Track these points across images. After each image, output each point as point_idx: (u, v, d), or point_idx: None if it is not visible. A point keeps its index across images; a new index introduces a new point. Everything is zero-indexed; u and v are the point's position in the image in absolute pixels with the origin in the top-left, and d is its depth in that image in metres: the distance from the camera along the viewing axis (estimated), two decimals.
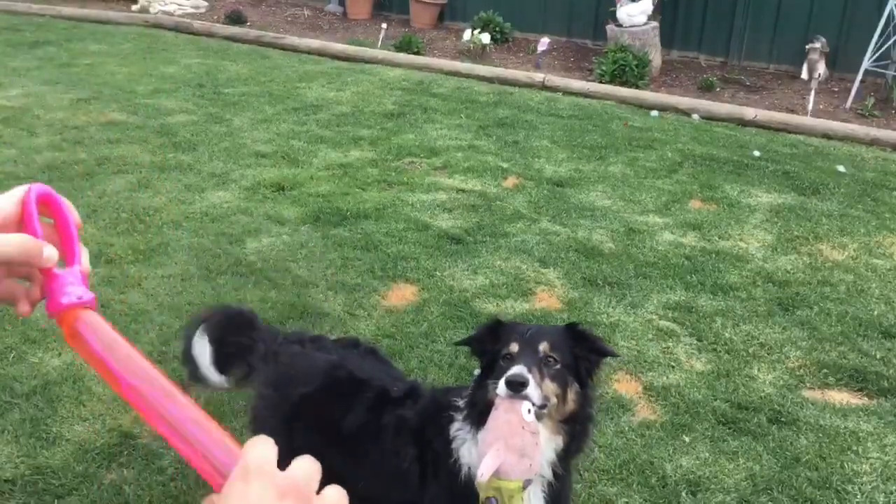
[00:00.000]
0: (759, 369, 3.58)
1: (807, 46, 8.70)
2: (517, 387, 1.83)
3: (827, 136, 7.09)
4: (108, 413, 3.05)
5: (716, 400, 3.33)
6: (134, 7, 10.97)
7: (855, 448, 3.10)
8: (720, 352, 3.70)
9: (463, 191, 5.41)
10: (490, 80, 8.42)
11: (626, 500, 2.78)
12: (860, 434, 3.18)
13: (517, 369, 1.85)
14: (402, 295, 4.02)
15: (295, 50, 9.35)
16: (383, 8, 11.41)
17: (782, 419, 3.24)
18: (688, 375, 3.50)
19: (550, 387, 1.91)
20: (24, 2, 10.78)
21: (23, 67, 7.81)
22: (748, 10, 9.16)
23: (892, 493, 2.88)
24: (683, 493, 2.82)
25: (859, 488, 2.89)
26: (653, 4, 8.81)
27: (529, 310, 3.95)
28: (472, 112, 7.24)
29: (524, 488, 1.85)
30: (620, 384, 3.41)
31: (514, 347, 1.94)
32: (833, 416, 3.28)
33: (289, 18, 11.20)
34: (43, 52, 8.41)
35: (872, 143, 6.96)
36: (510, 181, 5.64)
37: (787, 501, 2.81)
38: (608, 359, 2.21)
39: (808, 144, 6.87)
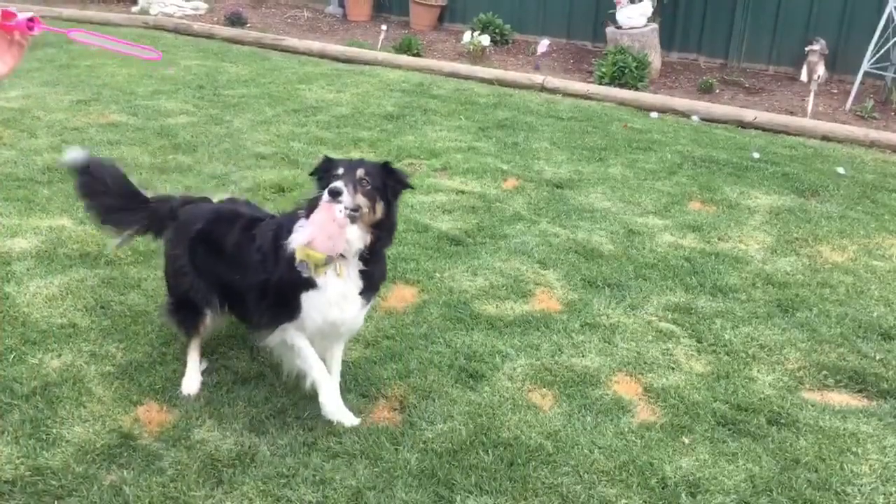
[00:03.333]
0: (758, 371, 3.59)
1: (806, 48, 8.71)
2: (334, 194, 2.71)
3: (826, 137, 7.10)
4: (108, 414, 3.05)
5: (715, 401, 3.33)
6: (134, 9, 10.99)
7: (854, 450, 3.10)
8: (720, 353, 3.71)
9: (463, 192, 5.41)
10: (490, 81, 8.43)
11: (625, 501, 2.78)
12: (860, 436, 3.18)
13: (336, 183, 2.73)
14: (402, 296, 4.02)
15: (295, 51, 9.36)
16: (383, 9, 11.42)
17: (782, 421, 3.24)
18: (687, 377, 3.50)
19: (361, 199, 2.78)
20: (23, 4, 10.78)
21: (22, 69, 7.76)
22: (748, 12, 9.17)
23: (891, 494, 2.88)
24: (683, 495, 2.82)
25: (859, 490, 2.89)
26: (652, 6, 8.82)
27: (529, 311, 3.95)
28: (472, 114, 7.24)
29: (327, 263, 2.78)
30: (620, 385, 3.41)
31: (339, 171, 2.81)
32: (833, 418, 3.28)
33: (288, 20, 11.21)
34: (43, 54, 8.41)
35: (872, 144, 6.97)
36: (510, 183, 5.65)
37: (787, 503, 2.81)
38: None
39: (807, 146, 6.88)
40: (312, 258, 2.74)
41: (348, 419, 3.05)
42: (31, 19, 2.25)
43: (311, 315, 2.92)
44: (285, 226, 2.94)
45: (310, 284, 2.86)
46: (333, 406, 3.04)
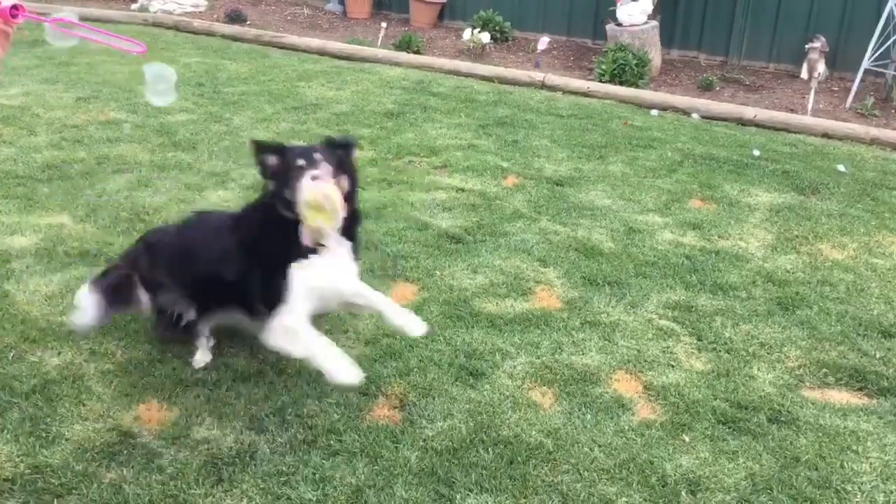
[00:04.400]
0: (758, 369, 3.58)
1: (806, 46, 8.70)
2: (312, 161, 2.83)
3: (827, 135, 7.09)
4: (108, 412, 3.05)
5: (715, 399, 3.33)
6: (133, 6, 10.97)
7: (855, 448, 3.10)
8: (720, 351, 3.70)
9: (462, 190, 5.40)
10: (490, 79, 8.42)
11: (626, 499, 2.78)
12: (860, 434, 3.18)
13: (302, 160, 2.84)
14: (402, 294, 4.02)
15: (294, 49, 9.34)
16: (383, 7, 11.41)
17: (782, 419, 3.24)
18: (688, 375, 3.50)
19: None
20: (26, 1, 10.76)
21: (22, 66, 7.80)
22: (748, 10, 9.16)
23: (891, 492, 2.88)
24: (683, 493, 2.82)
25: (859, 488, 2.89)
26: (652, 4, 8.80)
27: (529, 309, 3.95)
28: (472, 111, 7.23)
29: (332, 221, 2.84)
30: (620, 384, 3.41)
31: (300, 161, 2.86)
32: (833, 416, 3.28)
33: (288, 17, 11.19)
34: (42, 51, 8.39)
35: (872, 142, 6.97)
36: (510, 180, 5.64)
37: (787, 501, 2.81)
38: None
39: (807, 144, 6.88)
40: (322, 214, 2.79)
41: (354, 374, 2.92)
42: (14, 7, 2.23)
43: (308, 285, 2.95)
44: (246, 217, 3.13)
45: (297, 256, 2.94)
46: (342, 375, 2.91)
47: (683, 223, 5.07)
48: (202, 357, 3.36)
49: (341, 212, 2.85)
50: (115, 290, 3.30)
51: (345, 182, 2.93)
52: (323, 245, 2.94)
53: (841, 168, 6.23)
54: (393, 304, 3.16)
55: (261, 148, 2.97)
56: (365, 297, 3.17)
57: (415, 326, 3.10)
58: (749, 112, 7.49)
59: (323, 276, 2.98)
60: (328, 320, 3.73)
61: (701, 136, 6.86)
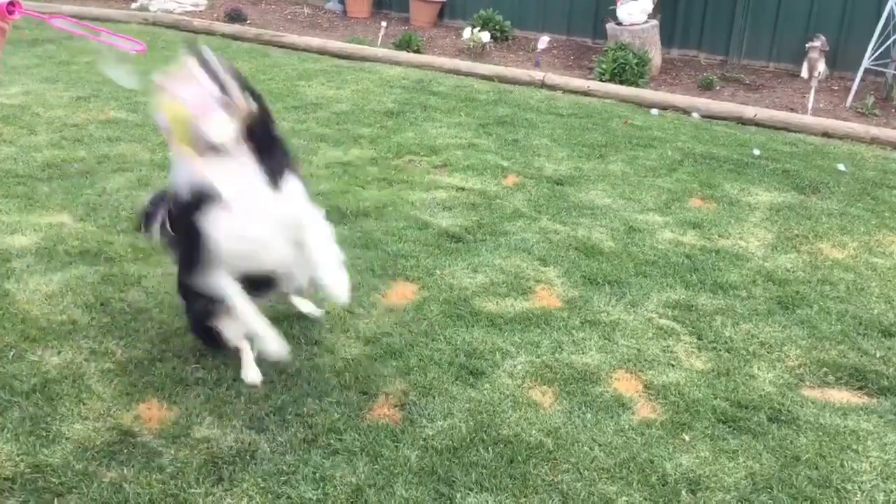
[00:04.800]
0: (759, 368, 3.59)
1: (807, 45, 8.70)
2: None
3: (827, 134, 7.09)
4: (108, 411, 3.05)
5: (716, 398, 3.33)
6: (133, 5, 10.97)
7: (855, 447, 3.10)
8: (720, 350, 3.70)
9: (463, 189, 5.40)
10: (490, 78, 8.41)
11: (626, 498, 2.78)
12: (860, 433, 3.18)
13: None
14: (402, 293, 4.02)
15: (294, 48, 9.34)
16: (383, 6, 11.40)
17: (782, 418, 3.24)
18: (688, 374, 3.50)
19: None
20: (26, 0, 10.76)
21: (22, 65, 7.79)
22: (748, 9, 9.15)
23: (892, 491, 2.88)
24: (683, 492, 2.82)
25: (859, 487, 2.89)
26: (653, 3, 8.80)
27: (529, 308, 3.95)
28: (472, 110, 7.23)
29: (192, 128, 2.55)
30: (620, 383, 3.41)
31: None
32: (833, 415, 3.28)
33: (288, 16, 11.19)
34: (42, 50, 8.40)
35: (872, 141, 6.96)
36: (510, 179, 5.64)
37: (787, 500, 2.82)
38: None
39: (807, 143, 6.87)
40: (174, 112, 2.55)
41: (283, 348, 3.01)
42: (11, 3, 2.24)
43: (222, 239, 2.70)
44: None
45: (201, 205, 2.64)
46: (273, 347, 2.98)
47: (683, 222, 5.07)
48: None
49: (209, 114, 2.54)
50: None
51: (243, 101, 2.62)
52: (175, 139, 2.57)
53: (841, 167, 6.23)
54: (331, 261, 2.80)
55: None
56: (308, 238, 2.82)
57: (340, 293, 2.84)
58: (749, 111, 7.49)
59: (226, 227, 2.65)
60: (329, 319, 3.73)
61: (701, 136, 6.86)
